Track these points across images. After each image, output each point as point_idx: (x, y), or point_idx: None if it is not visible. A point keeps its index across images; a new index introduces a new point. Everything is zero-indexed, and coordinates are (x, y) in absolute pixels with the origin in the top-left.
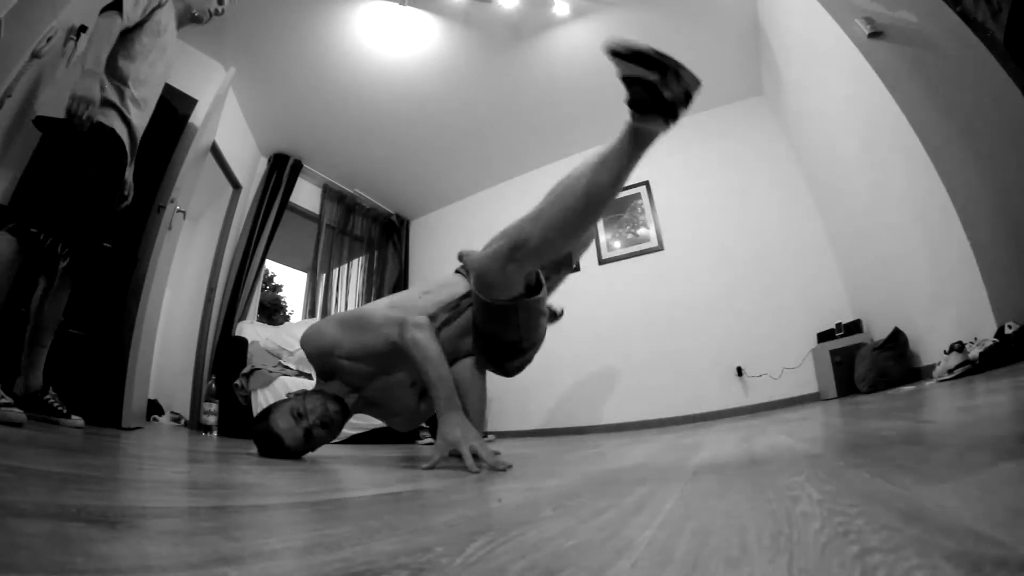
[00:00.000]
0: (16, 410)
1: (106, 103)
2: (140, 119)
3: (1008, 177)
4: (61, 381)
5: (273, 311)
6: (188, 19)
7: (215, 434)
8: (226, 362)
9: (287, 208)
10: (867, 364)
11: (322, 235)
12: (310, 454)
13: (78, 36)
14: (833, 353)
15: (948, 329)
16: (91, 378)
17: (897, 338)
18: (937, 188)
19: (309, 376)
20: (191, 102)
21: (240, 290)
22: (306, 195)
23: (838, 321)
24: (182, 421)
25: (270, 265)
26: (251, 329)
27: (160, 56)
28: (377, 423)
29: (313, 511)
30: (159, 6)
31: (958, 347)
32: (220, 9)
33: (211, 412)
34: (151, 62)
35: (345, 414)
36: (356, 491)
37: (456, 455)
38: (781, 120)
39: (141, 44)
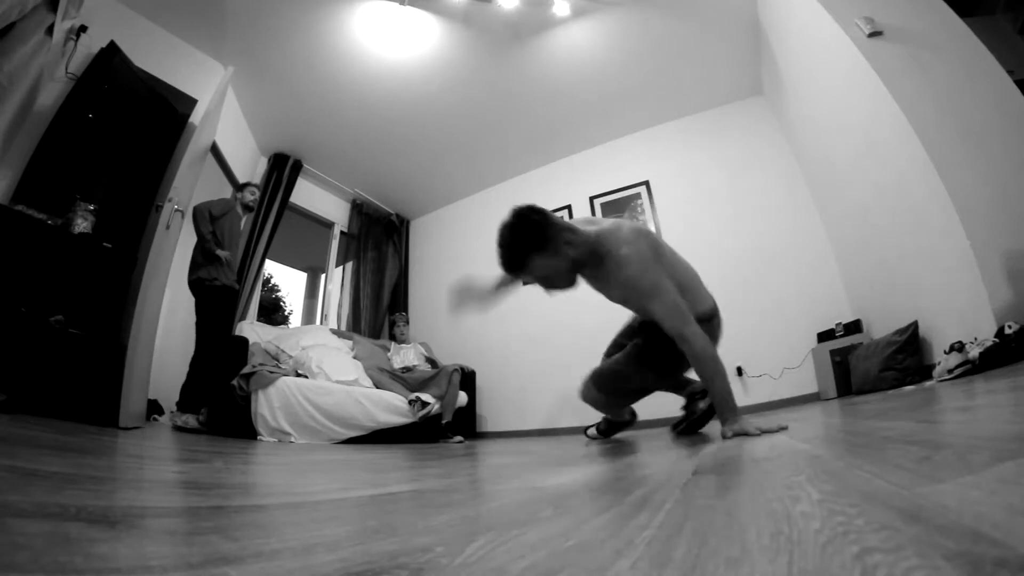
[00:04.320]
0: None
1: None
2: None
3: (1008, 176)
4: (60, 381)
5: (272, 311)
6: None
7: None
8: (227, 362)
9: (288, 208)
10: (878, 362)
11: (334, 240)
12: (310, 455)
13: (78, 36)
14: (833, 353)
15: (948, 329)
16: (90, 378)
17: (914, 332)
18: (937, 187)
19: (306, 377)
20: (191, 102)
21: (240, 290)
22: (306, 194)
23: (838, 321)
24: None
25: (268, 265)
26: (251, 329)
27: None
28: (379, 424)
29: (313, 511)
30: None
31: (958, 347)
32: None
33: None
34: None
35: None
36: (356, 491)
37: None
38: (781, 120)
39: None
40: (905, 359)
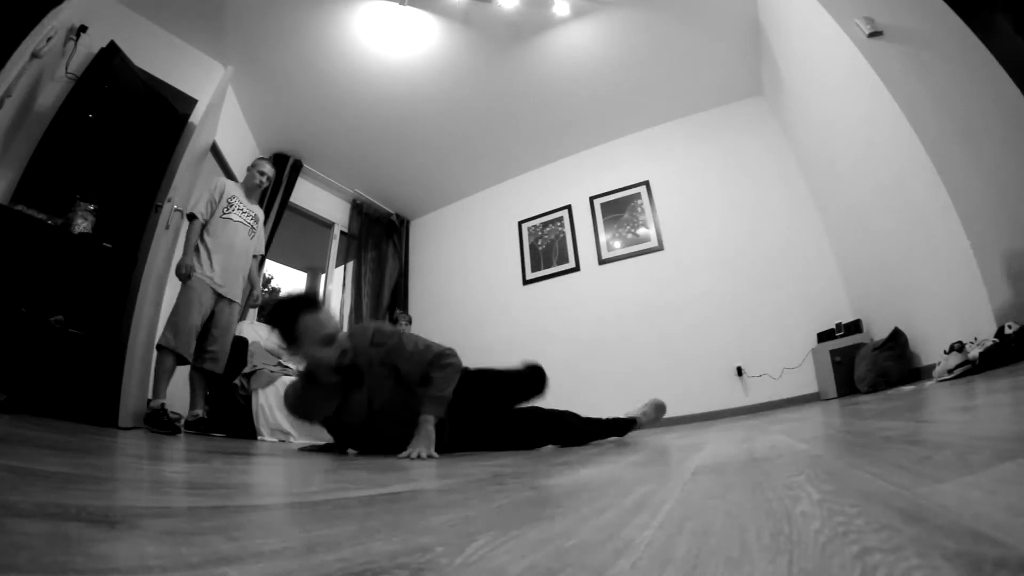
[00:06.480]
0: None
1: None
2: (218, 260)
3: (1008, 176)
4: (60, 381)
5: None
6: (251, 188)
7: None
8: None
9: (288, 208)
10: (867, 364)
11: (334, 240)
12: (310, 454)
13: (78, 36)
14: (833, 353)
15: (948, 329)
16: (90, 378)
17: (897, 338)
18: (937, 187)
19: None
20: (191, 102)
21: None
22: (306, 194)
23: (838, 321)
24: (181, 421)
25: (268, 265)
26: (251, 329)
27: (234, 216)
28: None
29: (313, 511)
30: (222, 195)
31: (958, 347)
32: (263, 180)
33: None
34: (223, 223)
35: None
36: (356, 491)
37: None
38: (781, 120)
39: (215, 220)
40: (903, 360)
